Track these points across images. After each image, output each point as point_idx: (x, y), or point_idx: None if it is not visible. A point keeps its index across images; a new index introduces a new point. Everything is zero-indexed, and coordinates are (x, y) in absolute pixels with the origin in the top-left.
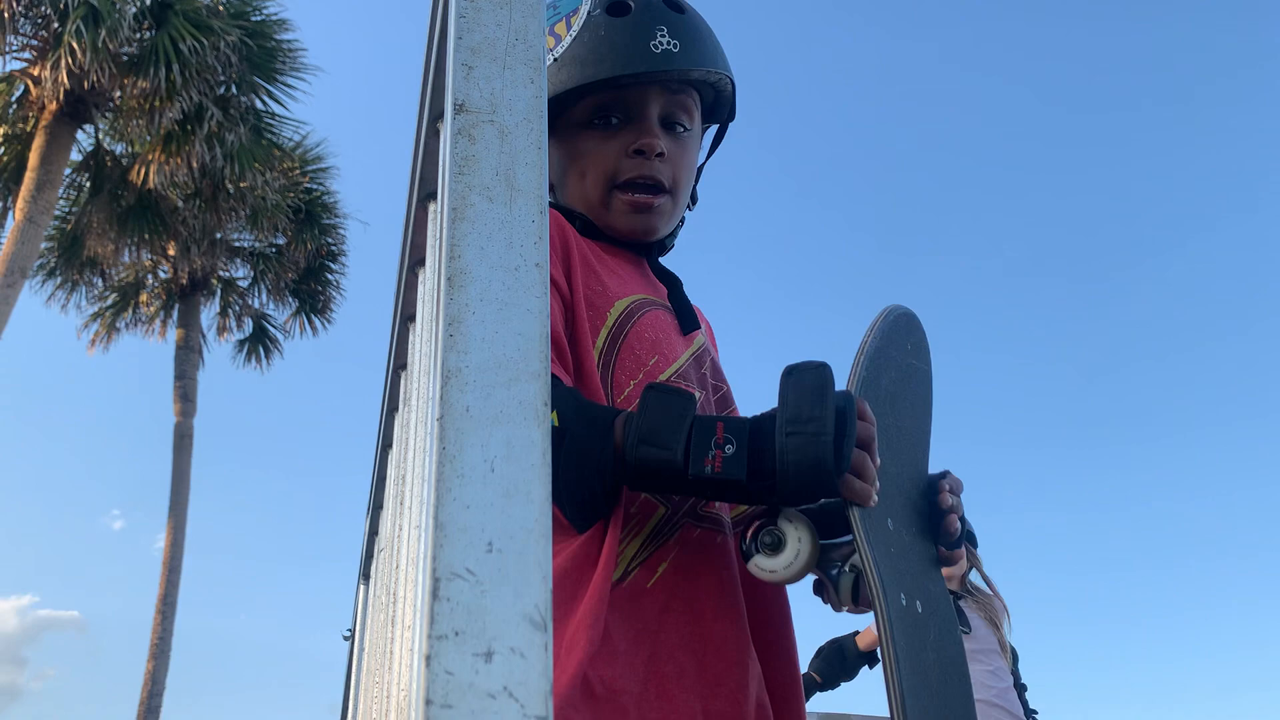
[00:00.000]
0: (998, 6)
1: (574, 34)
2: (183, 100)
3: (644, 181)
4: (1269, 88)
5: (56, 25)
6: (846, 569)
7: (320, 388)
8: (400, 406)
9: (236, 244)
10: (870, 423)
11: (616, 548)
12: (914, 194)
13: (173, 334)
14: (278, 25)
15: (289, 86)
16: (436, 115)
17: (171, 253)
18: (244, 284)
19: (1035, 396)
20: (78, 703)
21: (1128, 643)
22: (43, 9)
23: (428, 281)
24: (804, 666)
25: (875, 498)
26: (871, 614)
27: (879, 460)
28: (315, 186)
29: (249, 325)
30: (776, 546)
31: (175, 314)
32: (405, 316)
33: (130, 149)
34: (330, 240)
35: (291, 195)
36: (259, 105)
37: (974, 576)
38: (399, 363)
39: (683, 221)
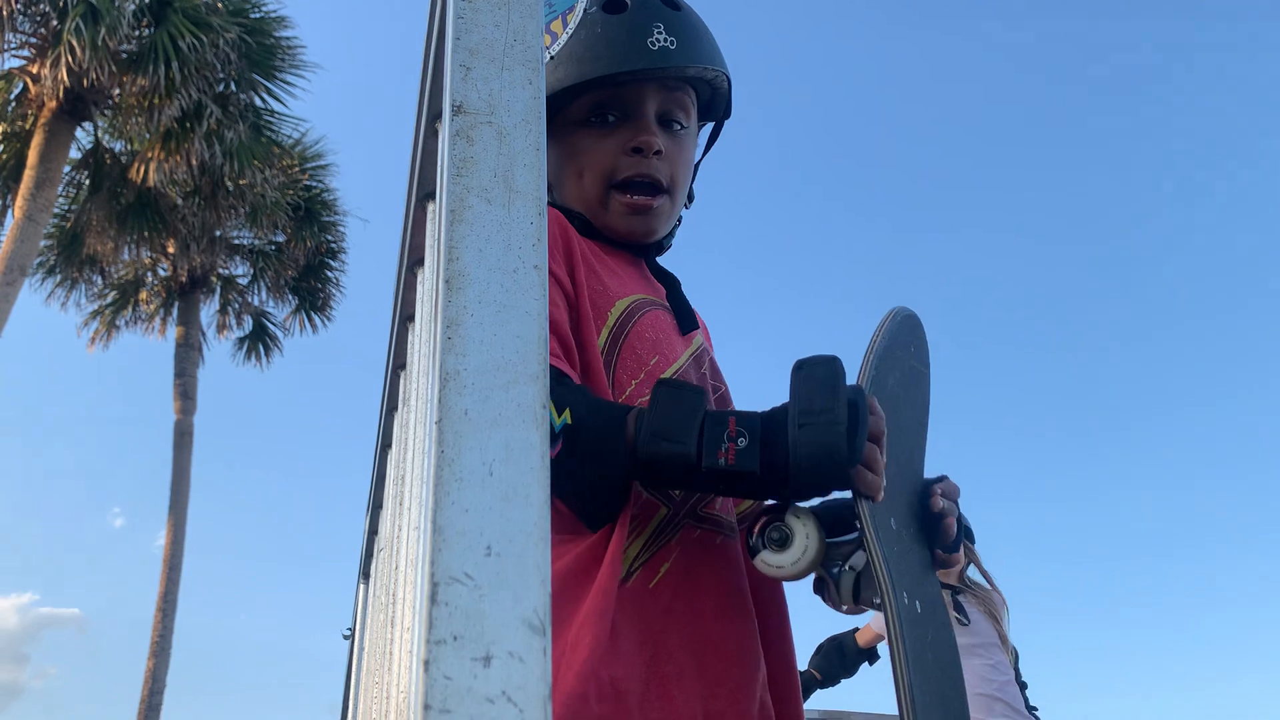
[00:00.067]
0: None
1: (570, 31)
2: (182, 98)
3: (642, 180)
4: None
5: (55, 23)
6: (847, 568)
7: (320, 386)
8: (399, 406)
9: (236, 241)
10: (880, 417)
11: (623, 547)
12: (913, 194)
13: (172, 332)
14: (276, 22)
15: (288, 84)
16: (435, 116)
17: (171, 250)
18: (244, 281)
19: (1028, 385)
20: (78, 701)
21: (1124, 631)
22: (42, 6)
23: (426, 283)
24: (803, 664)
25: (883, 493)
26: (868, 613)
27: (886, 458)
28: (315, 184)
29: (249, 323)
30: (784, 542)
31: (175, 311)
32: (404, 316)
33: (129, 146)
34: (330, 238)
35: (291, 193)
36: (258, 102)
37: (972, 571)
38: (398, 362)
39: (680, 220)
